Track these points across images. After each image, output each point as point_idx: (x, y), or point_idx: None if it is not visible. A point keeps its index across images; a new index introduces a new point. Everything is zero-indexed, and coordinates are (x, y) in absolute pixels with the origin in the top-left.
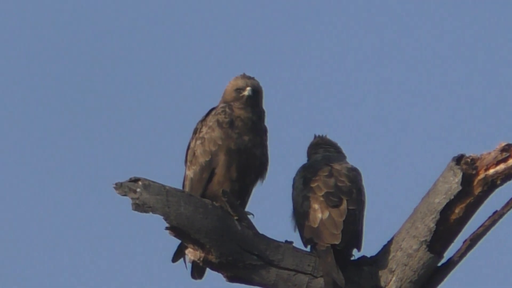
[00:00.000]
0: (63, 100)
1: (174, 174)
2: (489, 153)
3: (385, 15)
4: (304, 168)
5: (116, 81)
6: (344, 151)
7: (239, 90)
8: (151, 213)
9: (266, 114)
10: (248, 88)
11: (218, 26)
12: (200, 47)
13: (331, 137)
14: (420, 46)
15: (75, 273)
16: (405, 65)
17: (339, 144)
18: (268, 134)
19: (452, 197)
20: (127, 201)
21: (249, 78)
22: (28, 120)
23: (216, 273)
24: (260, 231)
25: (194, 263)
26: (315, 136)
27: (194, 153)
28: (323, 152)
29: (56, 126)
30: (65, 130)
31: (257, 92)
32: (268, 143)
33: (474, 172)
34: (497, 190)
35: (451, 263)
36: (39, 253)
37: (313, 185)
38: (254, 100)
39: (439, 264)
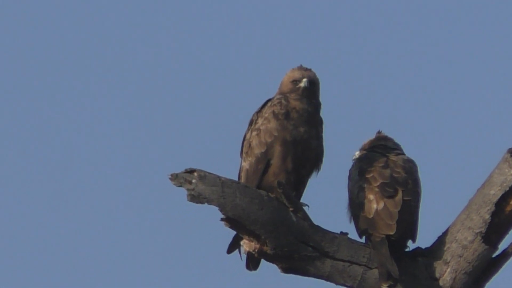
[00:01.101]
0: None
1: (230, 166)
2: None
3: None
4: (360, 160)
5: (171, 72)
6: (402, 147)
7: (296, 81)
8: (206, 204)
9: (322, 106)
10: (305, 80)
11: (279, 15)
12: (255, 39)
13: (387, 130)
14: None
15: (125, 263)
16: (459, 53)
17: (395, 140)
18: (324, 126)
19: (508, 188)
20: (183, 192)
21: (306, 69)
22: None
23: (271, 264)
24: (315, 223)
25: (249, 254)
26: (377, 133)
27: (249, 145)
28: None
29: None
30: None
31: (313, 84)
32: (324, 134)
33: None
34: None
35: (506, 254)
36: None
37: (369, 175)
38: (311, 91)
39: (494, 255)
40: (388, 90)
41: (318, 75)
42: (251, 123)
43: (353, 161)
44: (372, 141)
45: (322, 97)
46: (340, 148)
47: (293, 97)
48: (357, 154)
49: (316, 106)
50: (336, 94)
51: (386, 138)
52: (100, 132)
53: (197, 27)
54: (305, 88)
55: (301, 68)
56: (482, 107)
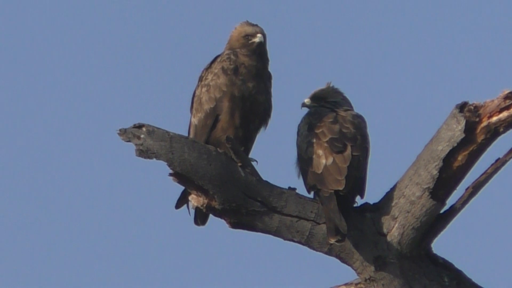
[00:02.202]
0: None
1: (181, 122)
2: (492, 100)
3: None
4: (309, 115)
5: (121, 26)
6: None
7: (248, 36)
8: (154, 159)
9: (270, 61)
10: (259, 35)
11: None
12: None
13: (337, 84)
14: None
15: (74, 215)
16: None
17: (345, 94)
18: (273, 81)
19: (455, 144)
20: (131, 147)
21: (256, 25)
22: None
23: (219, 219)
24: (264, 178)
25: (197, 210)
26: (327, 84)
27: (200, 101)
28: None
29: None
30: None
31: (265, 38)
32: (273, 89)
33: (477, 119)
34: (500, 138)
35: (453, 210)
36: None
37: (318, 131)
38: (264, 47)
39: (442, 211)
40: (341, 44)
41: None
42: (200, 79)
43: (303, 112)
44: (321, 92)
45: (272, 51)
46: (289, 102)
47: (243, 53)
48: (307, 101)
49: (265, 61)
50: (284, 48)
51: (335, 92)
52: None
53: None
54: (260, 43)
55: (251, 23)
56: (432, 63)
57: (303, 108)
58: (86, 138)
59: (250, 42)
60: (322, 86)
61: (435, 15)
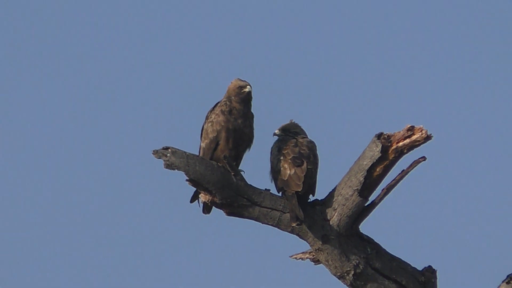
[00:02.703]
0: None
1: (194, 145)
2: (399, 131)
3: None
4: (278, 141)
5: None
6: (305, 132)
7: (241, 87)
8: (176, 170)
9: (252, 105)
10: (249, 87)
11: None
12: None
13: (297, 120)
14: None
15: (111, 219)
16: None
17: (302, 126)
18: (254, 119)
19: (375, 160)
20: (161, 162)
21: (247, 81)
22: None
23: (219, 210)
24: (249, 182)
25: (204, 203)
26: (290, 120)
27: (206, 132)
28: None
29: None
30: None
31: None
32: (255, 125)
33: (389, 144)
34: (404, 156)
35: (373, 204)
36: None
37: (285, 151)
38: (251, 96)
39: (366, 204)
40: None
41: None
42: (207, 117)
43: (274, 139)
44: (286, 125)
45: (254, 99)
46: (265, 133)
47: (236, 100)
48: (277, 131)
49: (249, 106)
50: (262, 97)
51: (296, 126)
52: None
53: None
54: (249, 92)
55: (242, 79)
56: (357, 96)
57: (274, 136)
58: (126, 156)
59: (242, 91)
60: (287, 121)
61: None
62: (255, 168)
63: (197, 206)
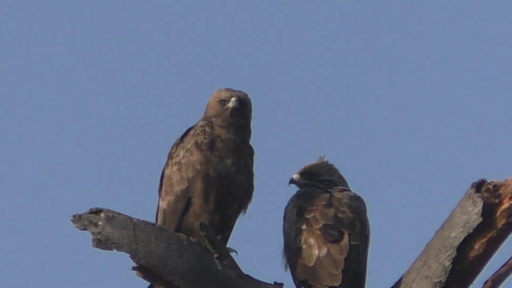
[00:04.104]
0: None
1: (147, 206)
2: None
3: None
4: (298, 196)
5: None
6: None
7: (223, 101)
8: (115, 250)
9: (252, 133)
10: (233, 99)
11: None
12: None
13: (332, 159)
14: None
15: None
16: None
17: (339, 171)
18: (255, 157)
19: (471, 230)
20: (87, 236)
21: (235, 90)
22: None
23: None
24: (245, 271)
25: None
26: (320, 158)
27: (170, 181)
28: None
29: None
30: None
31: (244, 104)
32: (255, 167)
33: (497, 201)
34: None
35: None
36: None
37: (309, 216)
38: (240, 113)
39: None
40: (335, 118)
41: (250, 97)
42: (170, 156)
43: (291, 191)
44: (313, 167)
45: (254, 120)
46: (274, 180)
47: (219, 123)
48: (295, 176)
49: (245, 134)
50: (269, 116)
51: (329, 168)
52: None
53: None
54: (234, 108)
55: (229, 88)
56: (444, 135)
57: (291, 185)
58: (29, 222)
59: (225, 108)
60: (315, 160)
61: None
62: (257, 246)
63: None
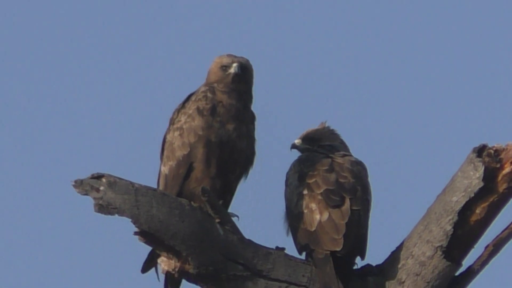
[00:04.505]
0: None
1: (149, 171)
2: None
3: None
4: (299, 161)
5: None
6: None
7: (225, 67)
8: (117, 216)
9: (253, 99)
10: (235, 65)
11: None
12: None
13: (333, 124)
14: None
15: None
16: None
17: (341, 136)
18: (257, 123)
19: (473, 194)
20: (89, 201)
21: (237, 56)
22: None
23: (194, 286)
24: (246, 236)
25: (167, 274)
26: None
27: (171, 147)
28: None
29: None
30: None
31: (245, 69)
32: (256, 132)
33: (498, 165)
34: None
35: (470, 272)
36: None
37: (310, 181)
38: (242, 78)
39: (457, 273)
40: (338, 82)
41: (251, 63)
42: (172, 122)
43: (293, 156)
44: (315, 133)
45: (256, 84)
46: (276, 146)
47: (221, 89)
48: (297, 142)
49: (246, 100)
50: (271, 80)
51: (331, 133)
52: None
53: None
54: (235, 74)
55: (231, 54)
56: (445, 100)
57: (292, 150)
58: (35, 188)
59: (226, 73)
60: (316, 125)
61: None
62: (258, 211)
63: (155, 279)
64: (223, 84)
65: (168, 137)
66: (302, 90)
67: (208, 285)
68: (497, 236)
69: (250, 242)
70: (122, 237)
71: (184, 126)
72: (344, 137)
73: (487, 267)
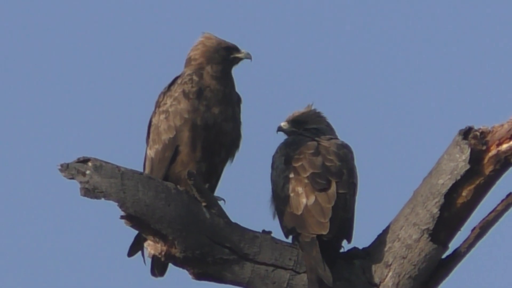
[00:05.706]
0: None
1: (134, 155)
2: (502, 125)
3: None
4: (285, 145)
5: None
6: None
7: (230, 50)
8: (103, 199)
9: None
10: (246, 51)
11: None
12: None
13: (320, 107)
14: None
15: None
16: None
17: (327, 118)
18: (242, 105)
19: (459, 177)
20: (75, 185)
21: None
22: None
23: (180, 269)
24: (233, 220)
25: (154, 258)
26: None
27: (157, 130)
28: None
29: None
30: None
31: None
32: (242, 115)
33: (484, 147)
34: (511, 169)
35: (457, 255)
36: None
37: (297, 164)
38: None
39: (444, 256)
40: (324, 64)
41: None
42: (157, 105)
43: (278, 139)
44: (301, 115)
45: (238, 71)
46: (262, 128)
47: (213, 72)
48: (283, 124)
49: (233, 83)
50: (256, 62)
51: (317, 116)
52: None
53: None
54: (245, 58)
55: (217, 36)
56: (431, 83)
57: (278, 132)
58: (21, 174)
59: (232, 56)
60: (302, 108)
61: (431, 26)
62: (244, 194)
63: (141, 263)
64: (217, 67)
65: (154, 120)
66: (288, 72)
67: (195, 269)
68: (484, 218)
69: (236, 225)
70: (108, 221)
71: (170, 109)
72: (330, 119)
73: (473, 249)
